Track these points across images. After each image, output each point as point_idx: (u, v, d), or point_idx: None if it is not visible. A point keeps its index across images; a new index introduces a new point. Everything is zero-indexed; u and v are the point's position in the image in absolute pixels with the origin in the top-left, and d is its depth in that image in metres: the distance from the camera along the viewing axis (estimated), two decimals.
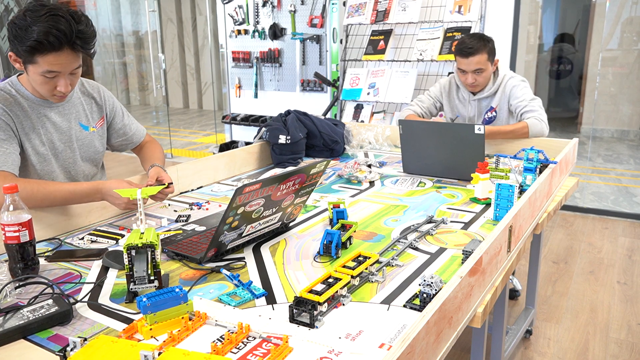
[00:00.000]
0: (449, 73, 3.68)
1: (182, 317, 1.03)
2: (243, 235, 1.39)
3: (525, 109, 2.46)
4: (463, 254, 1.33)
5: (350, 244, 1.48)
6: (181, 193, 2.02)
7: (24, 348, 1.00)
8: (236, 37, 4.83)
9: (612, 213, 4.15)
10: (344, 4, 4.15)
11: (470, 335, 1.71)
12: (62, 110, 1.74)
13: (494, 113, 2.58)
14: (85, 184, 1.61)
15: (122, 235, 1.58)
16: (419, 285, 1.10)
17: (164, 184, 1.69)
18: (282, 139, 2.38)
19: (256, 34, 4.70)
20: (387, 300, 1.16)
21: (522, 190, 1.80)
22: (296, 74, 4.61)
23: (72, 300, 1.15)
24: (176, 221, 1.69)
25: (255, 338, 0.99)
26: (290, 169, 2.29)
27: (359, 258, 1.29)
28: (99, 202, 1.67)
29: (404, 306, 1.13)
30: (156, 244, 1.15)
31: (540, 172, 1.85)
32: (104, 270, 1.34)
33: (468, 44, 2.43)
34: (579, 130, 6.86)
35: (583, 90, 6.81)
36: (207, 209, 1.81)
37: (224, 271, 1.26)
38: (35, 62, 1.50)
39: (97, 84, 1.89)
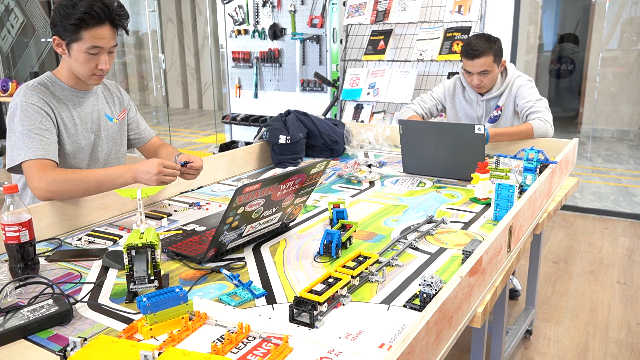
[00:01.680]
0: (449, 73, 3.69)
1: (182, 317, 1.03)
2: (243, 235, 1.40)
3: (530, 110, 2.45)
4: (463, 254, 1.33)
5: (350, 244, 1.48)
6: (181, 193, 2.02)
7: (24, 348, 1.00)
8: (236, 37, 4.82)
9: (612, 213, 4.15)
10: (344, 4, 4.15)
11: (470, 335, 1.71)
12: (92, 101, 1.85)
13: (499, 112, 2.58)
14: (116, 167, 1.69)
15: (121, 236, 1.58)
16: (419, 285, 1.10)
17: (164, 185, 1.71)
18: (282, 139, 2.38)
19: (256, 34, 4.70)
20: (387, 300, 1.16)
21: (522, 190, 1.80)
22: (296, 74, 4.61)
23: (72, 300, 1.15)
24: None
25: (255, 338, 0.99)
26: (290, 169, 2.29)
27: (359, 258, 1.29)
28: (100, 201, 1.70)
29: (404, 306, 1.13)
30: (156, 244, 1.16)
31: (540, 172, 1.85)
32: (104, 270, 1.34)
33: (474, 46, 2.40)
34: (579, 130, 6.87)
35: (583, 90, 6.81)
36: (207, 209, 1.82)
37: (224, 271, 1.26)
38: (80, 38, 1.63)
39: (112, 81, 2.01)
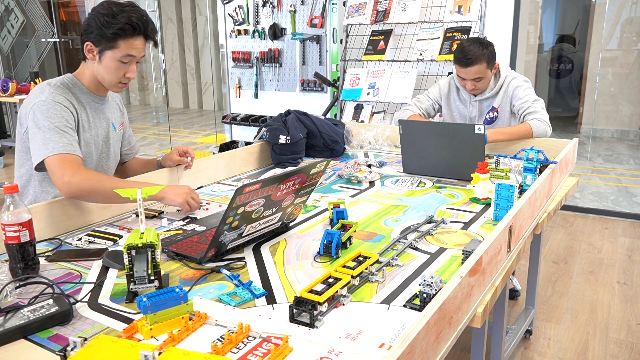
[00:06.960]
0: (449, 73, 3.69)
1: (182, 317, 1.03)
2: (243, 235, 1.40)
3: (527, 111, 2.45)
4: (463, 254, 1.33)
5: (350, 244, 1.48)
6: None
7: (24, 348, 1.00)
8: (236, 37, 4.82)
9: (612, 213, 4.15)
10: (344, 4, 4.15)
11: (470, 335, 1.71)
12: (105, 108, 1.87)
13: (495, 113, 2.58)
14: (146, 184, 1.69)
15: (121, 236, 1.58)
16: (419, 285, 1.10)
17: (163, 185, 1.72)
18: (282, 139, 2.38)
19: (256, 34, 4.70)
20: (387, 300, 1.16)
21: (522, 190, 1.80)
22: (296, 74, 4.61)
23: (72, 300, 1.15)
24: (183, 220, 1.69)
25: (255, 338, 0.99)
26: (290, 169, 2.29)
27: (359, 258, 1.29)
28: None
29: (404, 306, 1.13)
30: (156, 244, 1.16)
31: (540, 172, 1.85)
32: (104, 270, 1.34)
33: (467, 54, 2.39)
34: (579, 130, 6.87)
35: (583, 90, 6.81)
36: (207, 209, 1.82)
37: (224, 271, 1.26)
38: (116, 47, 1.68)
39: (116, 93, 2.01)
